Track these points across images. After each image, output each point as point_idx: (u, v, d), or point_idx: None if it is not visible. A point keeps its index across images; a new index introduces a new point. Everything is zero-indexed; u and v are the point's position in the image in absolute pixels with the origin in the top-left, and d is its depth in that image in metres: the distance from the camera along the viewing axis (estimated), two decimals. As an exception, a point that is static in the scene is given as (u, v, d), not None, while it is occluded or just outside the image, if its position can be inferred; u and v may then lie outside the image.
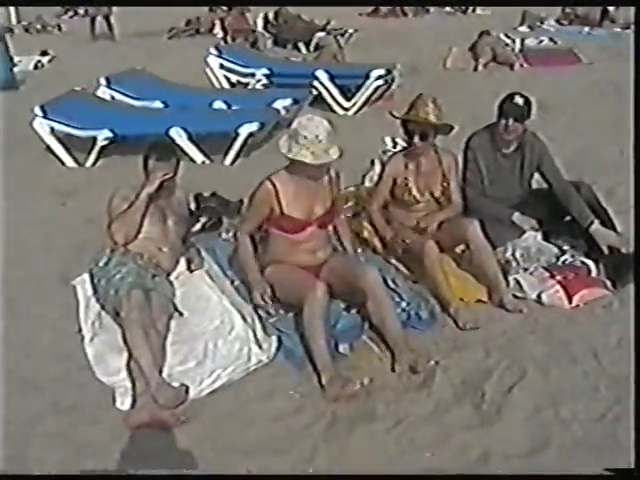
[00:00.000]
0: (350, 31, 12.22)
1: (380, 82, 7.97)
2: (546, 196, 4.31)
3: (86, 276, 4.03)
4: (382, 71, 7.94)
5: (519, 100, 4.08)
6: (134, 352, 3.20)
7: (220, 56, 8.62)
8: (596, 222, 4.01)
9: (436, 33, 14.13)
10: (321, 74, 7.92)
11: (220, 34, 13.42)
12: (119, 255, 3.66)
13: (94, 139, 6.36)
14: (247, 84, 8.38)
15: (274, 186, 3.49)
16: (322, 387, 3.08)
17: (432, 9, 18.66)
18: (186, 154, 6.04)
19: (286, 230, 3.55)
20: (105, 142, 6.35)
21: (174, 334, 3.49)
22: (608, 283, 3.81)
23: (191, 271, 4.05)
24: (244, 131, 5.96)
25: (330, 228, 3.72)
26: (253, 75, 8.29)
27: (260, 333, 3.48)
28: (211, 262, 4.19)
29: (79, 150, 6.56)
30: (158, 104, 7.03)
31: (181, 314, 3.64)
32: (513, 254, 4.00)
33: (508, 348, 3.32)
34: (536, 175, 4.34)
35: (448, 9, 18.68)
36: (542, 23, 13.48)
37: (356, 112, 8.04)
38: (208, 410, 3.03)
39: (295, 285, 3.42)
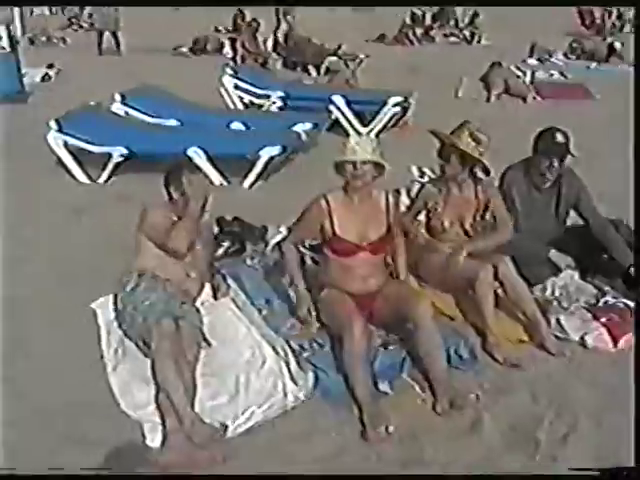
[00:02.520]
0: (361, 56, 12.19)
1: (397, 109, 7.90)
2: (582, 233, 4.21)
3: (106, 299, 3.89)
4: (399, 98, 7.87)
5: (560, 137, 3.98)
6: (165, 385, 3.03)
7: (235, 76, 8.53)
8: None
9: (444, 62, 14.15)
10: (338, 99, 7.84)
11: (230, 54, 13.35)
12: (148, 280, 3.50)
13: (109, 155, 6.21)
14: (261, 105, 8.29)
15: (328, 203, 3.44)
16: (363, 427, 2.92)
17: (437, 38, 18.73)
18: (206, 176, 5.89)
19: (338, 252, 3.48)
20: (120, 159, 6.20)
21: (203, 365, 3.32)
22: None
23: (216, 298, 3.91)
24: (265, 154, 5.84)
25: (384, 255, 3.60)
26: (268, 97, 8.20)
27: (294, 368, 3.32)
28: (237, 290, 4.05)
29: (91, 165, 6.41)
30: (173, 122, 6.90)
31: (209, 344, 3.48)
32: (552, 293, 3.87)
33: (555, 393, 3.17)
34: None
35: (453, 39, 18.78)
36: (550, 56, 13.52)
37: (372, 138, 7.94)
38: (243, 450, 2.85)
39: (337, 318, 3.31)
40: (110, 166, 6.22)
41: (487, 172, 3.82)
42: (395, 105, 7.83)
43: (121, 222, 4.62)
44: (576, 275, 4.08)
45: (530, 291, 3.80)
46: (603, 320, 3.59)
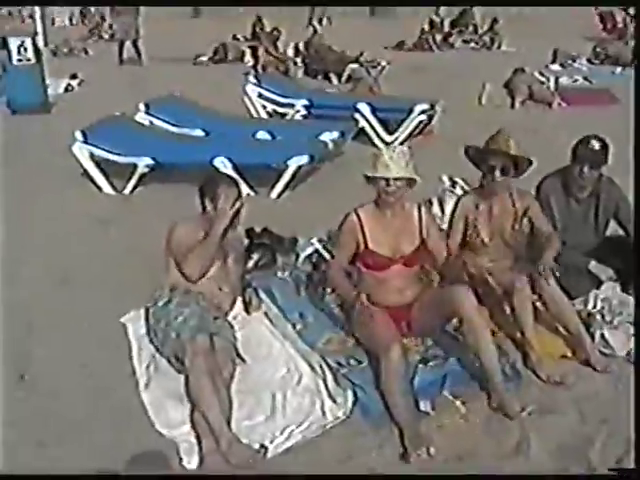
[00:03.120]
0: (383, 63, 12.11)
1: (423, 117, 7.80)
2: (622, 243, 4.08)
3: (136, 313, 3.84)
4: (426, 105, 7.77)
5: (595, 145, 3.87)
6: (200, 404, 2.95)
7: (259, 85, 8.47)
8: (683, 275, 3.78)
9: (464, 68, 14.01)
10: (363, 107, 7.75)
11: (251, 62, 13.33)
12: (180, 295, 3.44)
13: (134, 166, 6.17)
14: (285, 114, 8.23)
15: (359, 218, 3.40)
16: (404, 448, 2.82)
17: (457, 44, 18.61)
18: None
19: (371, 267, 3.42)
20: (146, 169, 6.16)
21: (238, 383, 3.25)
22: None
23: (249, 313, 3.84)
24: (294, 164, 5.77)
25: (418, 267, 3.52)
26: (292, 105, 8.13)
27: (332, 385, 3.23)
28: (269, 303, 3.98)
29: (117, 176, 6.38)
30: (199, 132, 6.84)
31: (244, 360, 3.40)
32: (594, 306, 3.75)
33: (604, 413, 3.05)
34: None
35: (473, 45, 18.64)
36: (574, 61, 13.35)
37: (397, 146, 7.84)
38: (282, 472, 2.77)
39: (374, 337, 3.21)
40: (136, 176, 6.18)
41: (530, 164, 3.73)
42: (421, 113, 7.73)
43: (149, 234, 4.61)
44: (618, 287, 3.95)
45: (571, 304, 3.70)
46: (651, 335, 3.46)
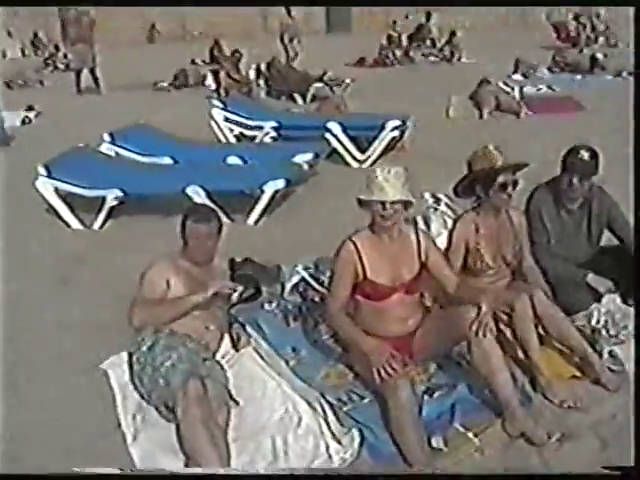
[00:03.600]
0: (347, 81, 12.02)
1: (396, 133, 7.67)
2: (618, 254, 3.97)
3: (117, 358, 3.59)
4: (398, 122, 7.65)
5: (585, 155, 3.76)
6: (196, 455, 2.73)
7: (225, 109, 8.26)
8: (684, 283, 3.67)
9: (428, 82, 14.03)
10: (334, 126, 7.60)
11: (213, 86, 13.11)
12: (166, 337, 3.21)
13: (103, 199, 5.91)
14: (254, 137, 8.03)
15: (356, 247, 3.18)
16: (424, 493, 2.63)
17: (417, 58, 18.68)
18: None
19: (370, 297, 3.20)
20: (115, 202, 5.90)
21: (233, 428, 3.03)
22: None
23: (237, 350, 3.61)
24: (270, 188, 5.56)
25: (419, 294, 3.34)
26: (261, 128, 7.94)
27: (335, 425, 3.02)
28: (259, 339, 3.78)
29: (85, 211, 6.10)
30: (167, 160, 6.60)
31: (237, 403, 3.18)
32: (597, 321, 3.62)
33: (626, 436, 2.89)
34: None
35: (433, 58, 18.73)
36: (535, 71, 13.46)
37: (372, 164, 7.69)
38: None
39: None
40: (105, 210, 5.91)
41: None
42: (393, 129, 7.61)
43: (122, 271, 4.37)
44: (618, 299, 3.83)
45: (572, 320, 3.57)
46: (661, 349, 3.33)
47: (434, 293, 3.58)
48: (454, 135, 9.22)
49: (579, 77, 13.06)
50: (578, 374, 3.35)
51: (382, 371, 2.92)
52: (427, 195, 5.42)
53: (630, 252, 3.87)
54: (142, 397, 3.21)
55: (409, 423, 2.83)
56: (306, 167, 6.20)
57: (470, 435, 2.93)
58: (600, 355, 3.40)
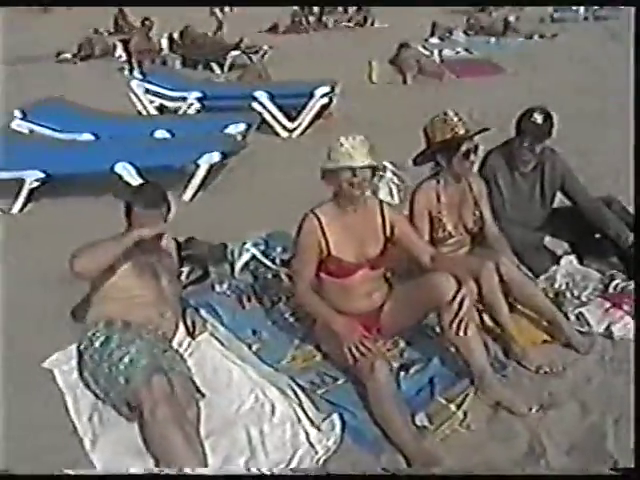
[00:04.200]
0: (265, 48, 11.68)
1: (325, 100, 7.48)
2: (570, 215, 3.97)
3: (62, 355, 3.29)
4: (327, 88, 7.46)
5: (538, 117, 3.70)
6: (171, 457, 2.50)
7: (144, 80, 7.83)
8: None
9: (344, 48, 13.89)
10: (261, 95, 7.33)
11: (123, 56, 12.45)
12: (120, 330, 2.94)
13: (21, 181, 5.45)
14: (177, 109, 7.65)
15: (319, 221, 2.99)
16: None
17: (330, 23, 18.47)
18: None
19: (334, 274, 3.03)
20: (35, 184, 5.45)
21: (204, 423, 2.80)
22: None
23: (193, 337, 3.38)
24: (205, 162, 5.27)
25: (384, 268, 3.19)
26: (184, 99, 7.56)
27: (312, 411, 2.85)
28: (215, 323, 3.54)
29: (1, 195, 5.62)
30: (88, 136, 6.16)
31: (203, 395, 2.95)
32: (560, 284, 3.60)
33: (603, 398, 2.87)
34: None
35: (345, 23, 18.57)
36: (451, 34, 13.53)
37: (301, 133, 7.50)
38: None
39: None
40: (24, 193, 5.46)
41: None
42: (323, 96, 7.41)
43: (48, 257, 4.01)
44: (575, 260, 3.84)
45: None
46: (626, 308, 3.34)
47: (398, 267, 3.45)
48: (381, 100, 9.14)
49: (494, 40, 13.23)
50: (548, 338, 3.31)
51: (355, 350, 2.79)
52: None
53: (583, 212, 3.86)
54: (97, 397, 2.93)
55: (391, 404, 2.70)
56: (240, 138, 5.92)
57: (453, 407, 2.83)
58: (567, 318, 3.38)
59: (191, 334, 3.39)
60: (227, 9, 15.10)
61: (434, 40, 12.89)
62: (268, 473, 2.54)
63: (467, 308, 2.84)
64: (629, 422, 2.67)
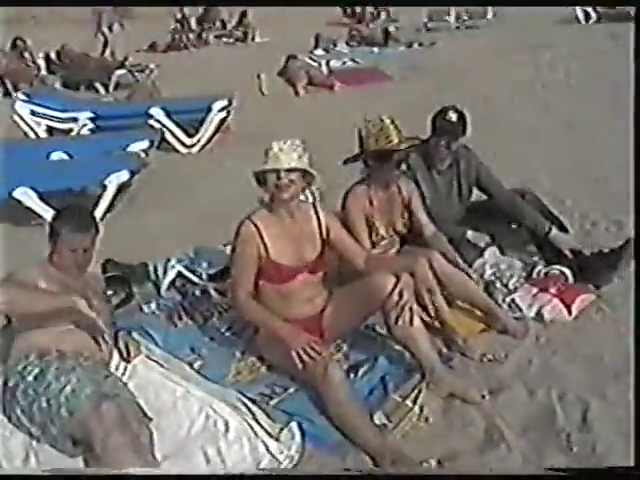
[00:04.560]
0: (152, 66, 11.40)
1: (224, 114, 7.40)
2: (488, 208, 4.12)
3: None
4: (224, 102, 7.39)
5: (452, 116, 3.83)
6: (132, 489, 2.35)
7: (30, 101, 7.41)
8: (554, 228, 3.90)
9: (227, 63, 13.79)
10: (156, 112, 7.16)
11: (-6, 80, 11.71)
12: (56, 360, 2.74)
13: None
14: (69, 130, 7.30)
15: (256, 227, 2.96)
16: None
17: (211, 39, 18.32)
18: (42, 218, 5.00)
19: (274, 279, 3.00)
20: None
21: (157, 449, 2.66)
22: (590, 286, 3.67)
23: (128, 361, 3.20)
24: (114, 182, 5.04)
25: (322, 272, 3.16)
26: (75, 120, 7.23)
27: (267, 423, 2.77)
28: (149, 344, 3.38)
29: None
30: (-24, 164, 5.75)
31: (150, 419, 2.79)
32: (488, 275, 3.72)
33: (546, 378, 2.99)
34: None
35: (226, 39, 18.49)
36: (335, 45, 13.78)
37: (201, 149, 7.37)
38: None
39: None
40: None
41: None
42: (221, 110, 7.33)
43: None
44: (497, 251, 3.98)
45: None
46: (553, 291, 3.50)
47: (332, 272, 3.44)
48: (276, 112, 9.15)
49: (376, 49, 13.60)
50: (485, 328, 3.40)
51: (304, 355, 2.75)
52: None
53: (499, 205, 4.01)
54: (31, 436, 2.71)
55: (349, 405, 2.68)
56: (143, 156, 5.74)
57: (409, 403, 2.84)
58: (499, 306, 3.49)
59: (125, 358, 3.21)
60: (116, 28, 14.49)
61: (319, 52, 13.07)
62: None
63: (408, 297, 2.89)
64: (577, 399, 2.80)
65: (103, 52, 12.61)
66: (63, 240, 2.94)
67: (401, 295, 2.88)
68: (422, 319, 3.21)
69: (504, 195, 4.02)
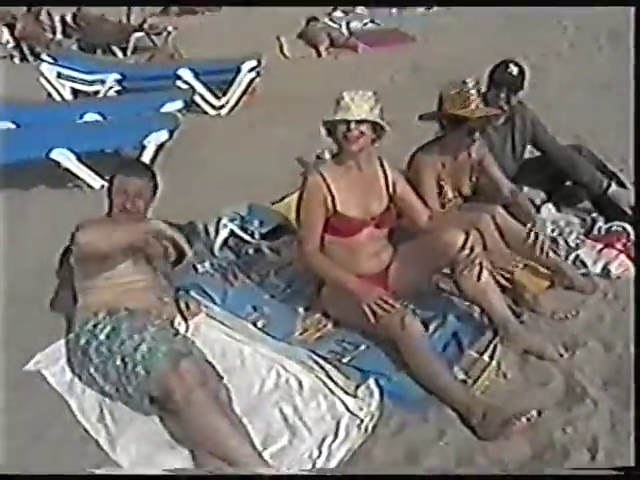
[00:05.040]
0: (170, 29, 11.20)
1: (253, 74, 7.26)
2: (542, 165, 4.02)
3: (47, 354, 2.99)
4: (254, 62, 7.25)
5: (514, 69, 3.71)
6: (218, 444, 2.32)
7: (56, 63, 7.29)
8: (613, 184, 3.81)
9: (246, 27, 13.54)
10: (185, 73, 7.01)
11: (11, 42, 11.55)
12: (127, 318, 2.70)
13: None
14: (96, 92, 7.18)
15: (324, 178, 2.89)
16: (472, 429, 2.45)
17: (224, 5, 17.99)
18: (80, 179, 4.93)
19: (340, 233, 2.93)
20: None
21: (233, 407, 2.63)
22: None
23: (186, 320, 3.15)
24: (152, 142, 4.95)
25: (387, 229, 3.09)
26: (102, 82, 7.11)
27: (343, 380, 2.73)
28: (209, 304, 3.33)
29: None
30: (9, 125, 5.66)
31: (221, 377, 2.75)
32: (551, 230, 3.65)
33: (620, 333, 2.93)
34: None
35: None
36: (354, 7, 13.51)
37: (230, 111, 7.25)
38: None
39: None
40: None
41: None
42: (250, 70, 7.19)
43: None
44: (553, 208, 3.90)
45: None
46: (619, 246, 3.42)
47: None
48: (300, 74, 9.00)
49: (395, 11, 13.33)
50: (550, 284, 3.33)
51: (376, 308, 2.70)
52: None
53: (555, 161, 3.92)
54: (104, 394, 2.68)
55: (432, 357, 2.64)
56: (180, 116, 5.64)
57: (486, 358, 2.79)
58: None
59: (185, 317, 3.17)
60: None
61: (338, 14, 12.83)
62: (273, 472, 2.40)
63: (478, 252, 2.82)
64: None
65: (128, 17, 12.24)
66: (117, 184, 2.88)
67: (472, 250, 2.82)
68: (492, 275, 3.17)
69: (561, 151, 3.91)
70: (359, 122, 2.78)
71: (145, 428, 2.56)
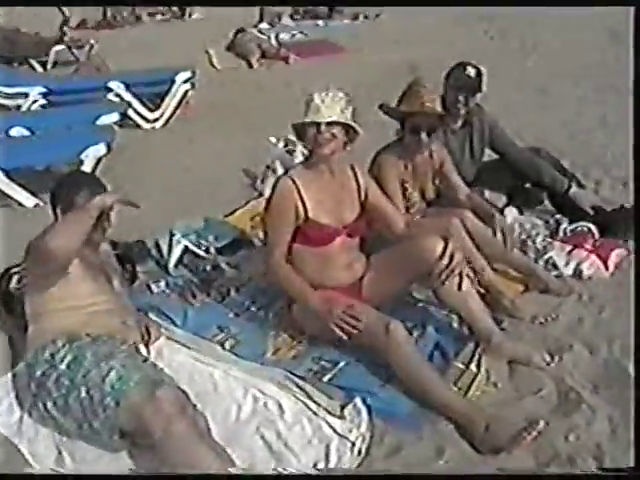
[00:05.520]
0: (92, 42, 10.75)
1: (187, 86, 7.00)
2: (500, 168, 3.98)
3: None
4: (188, 73, 6.99)
5: (471, 71, 3.65)
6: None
7: (-27, 77, 6.82)
8: (573, 185, 3.81)
9: (170, 39, 13.23)
10: (115, 85, 6.68)
11: None
12: (91, 344, 2.43)
13: None
14: (18, 106, 6.73)
15: (295, 183, 2.73)
16: (472, 443, 2.31)
17: (145, 17, 17.56)
18: (10, 198, 4.57)
19: (312, 242, 2.78)
20: None
21: (210, 436, 2.40)
22: (619, 242, 3.59)
23: (147, 345, 2.89)
24: (91, 155, 4.62)
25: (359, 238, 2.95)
26: (25, 95, 6.68)
27: (325, 401, 2.55)
28: (169, 326, 3.09)
29: None
30: None
31: (194, 406, 2.52)
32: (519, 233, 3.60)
33: (601, 337, 2.87)
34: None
35: (160, 17, 17.77)
36: (280, 19, 13.40)
37: (165, 124, 6.96)
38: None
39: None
40: None
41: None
42: (185, 82, 6.94)
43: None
44: (515, 211, 3.86)
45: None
46: (588, 247, 3.39)
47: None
48: (232, 85, 8.80)
49: (321, 22, 13.30)
50: (524, 289, 3.27)
51: (342, 324, 2.58)
52: (273, 139, 4.98)
53: (515, 163, 3.88)
54: (61, 432, 2.40)
55: (422, 364, 2.52)
56: (116, 128, 5.34)
57: (474, 369, 2.68)
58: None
59: (146, 341, 2.91)
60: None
61: (264, 25, 12.67)
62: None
63: (459, 260, 2.71)
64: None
65: (62, 27, 11.48)
66: (82, 203, 2.59)
67: (452, 258, 2.70)
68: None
69: (520, 154, 3.89)
70: (330, 124, 2.64)
71: (113, 467, 2.31)
